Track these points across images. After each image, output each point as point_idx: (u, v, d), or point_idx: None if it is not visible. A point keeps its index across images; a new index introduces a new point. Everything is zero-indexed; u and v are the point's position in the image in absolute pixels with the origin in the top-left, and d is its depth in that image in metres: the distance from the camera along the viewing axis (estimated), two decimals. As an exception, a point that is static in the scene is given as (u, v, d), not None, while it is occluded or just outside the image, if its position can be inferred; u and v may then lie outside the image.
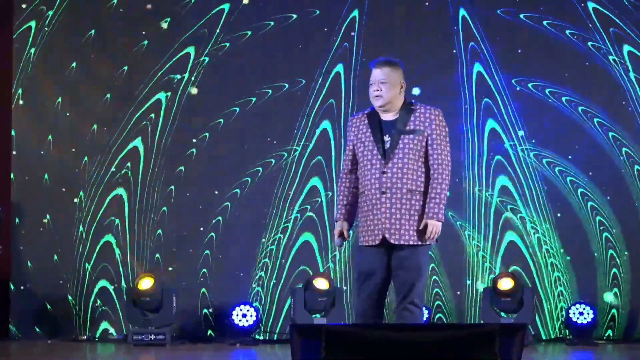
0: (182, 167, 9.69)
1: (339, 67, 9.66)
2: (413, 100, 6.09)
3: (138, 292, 9.22)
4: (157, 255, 9.69)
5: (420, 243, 5.98)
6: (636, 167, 9.49)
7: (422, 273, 6.01)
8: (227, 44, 9.67)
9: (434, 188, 5.98)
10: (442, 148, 6.00)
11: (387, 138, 5.98)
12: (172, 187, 9.68)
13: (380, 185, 5.96)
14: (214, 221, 9.65)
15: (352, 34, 9.66)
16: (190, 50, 9.66)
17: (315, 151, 9.68)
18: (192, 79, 9.66)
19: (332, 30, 9.66)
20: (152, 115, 9.68)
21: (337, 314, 9.29)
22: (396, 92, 6.01)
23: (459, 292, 9.58)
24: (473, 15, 9.59)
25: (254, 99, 9.68)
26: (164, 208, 9.68)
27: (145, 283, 9.23)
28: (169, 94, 9.65)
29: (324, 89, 9.66)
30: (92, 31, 9.70)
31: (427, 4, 9.64)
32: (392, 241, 5.95)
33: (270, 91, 9.67)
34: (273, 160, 9.69)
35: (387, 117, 6.03)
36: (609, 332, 9.55)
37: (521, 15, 9.59)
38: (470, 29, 9.59)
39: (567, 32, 9.52)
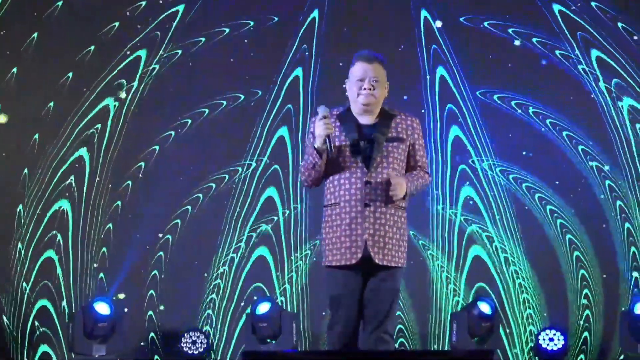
0: (129, 182, 9.26)
1: (298, 71, 9.28)
2: (387, 106, 5.63)
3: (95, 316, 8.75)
4: (102, 274, 9.19)
5: (404, 266, 5.50)
6: (607, 182, 9.19)
7: (397, 298, 5.54)
8: (179, 51, 9.30)
9: (420, 175, 5.56)
10: (426, 158, 5.62)
11: (365, 144, 5.46)
12: (119, 202, 9.24)
13: (363, 197, 5.40)
14: (162, 240, 9.23)
15: (311, 36, 9.30)
16: (140, 56, 9.26)
17: (272, 160, 9.28)
18: (141, 88, 9.25)
19: (290, 34, 9.30)
20: (99, 125, 9.24)
21: (287, 339, 8.82)
22: (384, 94, 5.58)
23: (427, 315, 9.21)
24: (435, 18, 9.27)
25: (207, 111, 9.29)
26: (110, 225, 9.22)
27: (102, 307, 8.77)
28: (116, 104, 9.24)
29: (281, 93, 9.28)
30: (35, 35, 9.23)
31: (387, 5, 9.30)
32: (376, 261, 5.42)
33: (224, 102, 9.29)
34: (227, 176, 9.30)
35: (364, 120, 5.53)
36: (582, 356, 9.15)
37: (485, 23, 9.27)
38: (433, 31, 9.26)
39: (534, 40, 9.23)
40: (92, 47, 9.24)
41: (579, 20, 9.18)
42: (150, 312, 9.20)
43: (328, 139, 5.41)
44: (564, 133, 9.23)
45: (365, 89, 5.48)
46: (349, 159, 5.46)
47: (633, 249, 9.15)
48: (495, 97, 9.26)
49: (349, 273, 5.46)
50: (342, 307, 5.47)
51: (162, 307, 9.19)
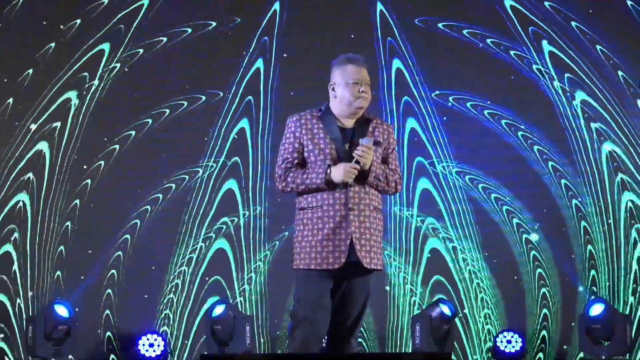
0: (88, 181, 9.20)
1: (259, 63, 9.30)
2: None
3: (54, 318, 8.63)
4: (59, 272, 9.10)
5: (381, 269, 5.49)
6: (563, 181, 9.23)
7: (368, 303, 5.50)
8: (140, 50, 9.30)
9: (393, 172, 5.53)
10: (398, 163, 5.62)
11: (348, 147, 5.43)
12: (77, 201, 9.15)
13: (347, 200, 5.37)
14: (121, 239, 9.15)
15: (272, 28, 9.32)
16: (101, 54, 9.23)
17: (232, 155, 9.25)
18: (102, 86, 9.22)
19: (252, 29, 9.33)
20: (59, 123, 9.18)
21: (241, 342, 8.70)
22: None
23: (385, 316, 9.16)
24: (391, 11, 9.35)
25: (167, 111, 9.27)
26: (68, 223, 9.14)
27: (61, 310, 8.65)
28: (77, 102, 9.19)
29: (240, 89, 9.29)
30: (-6, 32, 9.27)
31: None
32: (364, 264, 5.37)
33: (185, 103, 9.28)
34: (186, 177, 9.27)
35: (347, 123, 5.51)
36: (540, 355, 9.12)
37: (439, 25, 9.34)
38: (389, 23, 9.31)
39: (489, 40, 9.30)
40: (53, 44, 9.22)
41: (531, 16, 9.26)
42: (107, 312, 9.09)
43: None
44: (520, 133, 9.28)
45: (363, 91, 5.48)
46: (334, 162, 5.42)
47: (589, 247, 9.16)
48: (450, 98, 9.31)
49: (326, 276, 5.40)
50: (317, 310, 5.38)
51: (119, 308, 9.10)
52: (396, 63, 9.29)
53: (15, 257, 9.05)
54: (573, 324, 9.04)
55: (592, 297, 8.97)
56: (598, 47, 9.19)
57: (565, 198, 9.22)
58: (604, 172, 9.18)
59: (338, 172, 5.35)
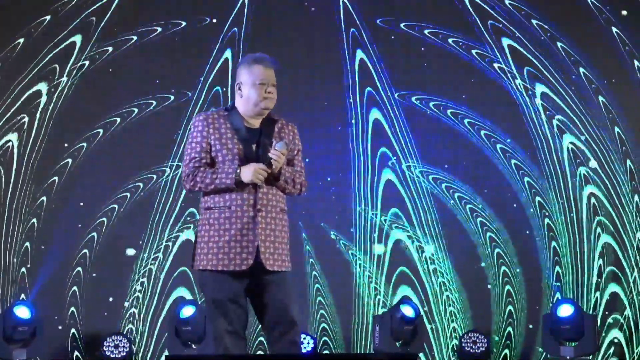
0: (55, 178, 9.17)
1: (227, 54, 9.36)
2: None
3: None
4: (23, 269, 9.02)
5: (290, 269, 5.50)
6: (526, 179, 9.29)
7: (296, 299, 5.50)
8: (110, 49, 9.33)
9: (299, 174, 5.57)
10: (303, 165, 5.64)
11: (254, 147, 5.47)
12: (44, 198, 9.12)
13: (256, 202, 5.39)
14: (87, 237, 9.10)
15: (241, 20, 9.39)
16: (70, 51, 9.22)
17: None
18: (69, 83, 9.22)
19: (221, 24, 9.39)
20: (26, 118, 9.16)
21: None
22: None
23: (350, 316, 9.14)
24: (358, 11, 9.46)
25: (135, 110, 9.30)
26: (34, 220, 9.09)
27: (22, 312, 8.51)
28: (45, 98, 9.18)
29: (207, 83, 9.32)
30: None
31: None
32: (267, 267, 5.38)
33: (154, 102, 9.32)
34: (154, 176, 9.26)
35: (253, 123, 5.55)
36: (506, 351, 9.09)
37: (401, 25, 9.44)
38: (351, 15, 9.40)
39: (450, 40, 9.40)
40: (22, 40, 9.22)
41: (491, 11, 9.35)
42: (72, 309, 9.02)
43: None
44: (482, 132, 9.34)
45: (269, 92, 5.50)
46: (242, 162, 5.43)
47: (553, 243, 9.18)
48: (413, 99, 9.37)
49: (236, 276, 5.39)
50: (230, 311, 5.39)
51: (84, 306, 9.03)
52: (359, 54, 9.38)
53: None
54: (537, 321, 9.05)
55: (559, 298, 8.98)
56: (559, 44, 9.31)
57: (529, 196, 9.26)
58: (565, 167, 9.24)
59: (248, 172, 5.35)
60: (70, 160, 9.19)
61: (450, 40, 9.38)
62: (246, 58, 5.60)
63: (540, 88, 9.28)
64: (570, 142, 9.24)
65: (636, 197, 9.18)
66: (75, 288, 9.05)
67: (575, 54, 9.28)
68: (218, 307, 5.38)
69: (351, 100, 9.33)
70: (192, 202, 9.13)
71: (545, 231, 9.20)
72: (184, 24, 9.39)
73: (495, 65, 9.34)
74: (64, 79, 9.21)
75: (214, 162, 5.46)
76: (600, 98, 9.26)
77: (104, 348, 8.78)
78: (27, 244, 9.05)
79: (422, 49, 9.38)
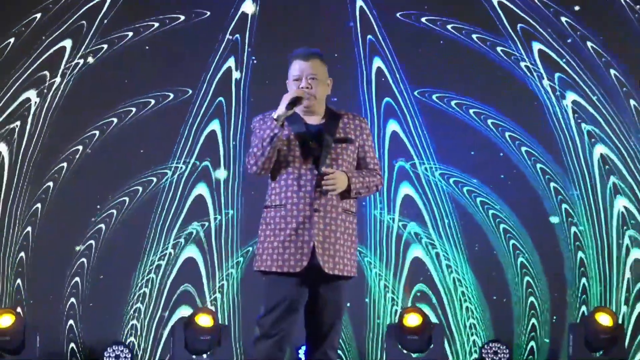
0: (50, 184, 8.85)
1: (230, 61, 8.94)
2: (332, 106, 5.26)
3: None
4: (19, 280, 8.76)
5: (354, 275, 5.11)
6: (552, 184, 8.92)
7: (343, 311, 5.14)
8: (105, 46, 8.93)
9: (371, 174, 5.18)
10: (377, 159, 5.26)
11: (314, 145, 5.10)
12: (39, 205, 8.82)
13: (313, 201, 5.04)
14: (85, 245, 8.83)
15: (244, 25, 8.98)
16: (63, 50, 8.87)
17: (203, 157, 8.90)
18: (64, 83, 8.86)
19: (222, 25, 8.98)
20: (18, 122, 8.84)
21: (223, 353, 8.46)
22: (326, 91, 5.19)
23: (364, 324, 8.85)
24: (372, 8, 8.98)
25: (133, 109, 8.92)
26: (29, 228, 8.80)
27: (5, 320, 8.30)
28: (37, 100, 8.83)
29: (210, 89, 8.93)
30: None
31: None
32: (326, 270, 5.01)
33: (152, 101, 8.93)
34: (154, 179, 8.92)
35: (311, 120, 5.17)
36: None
37: (423, 19, 8.99)
38: (369, 21, 8.96)
39: (474, 36, 8.95)
40: (12, 40, 8.89)
41: (520, 12, 8.94)
42: (70, 322, 8.78)
43: (295, 103, 5.06)
44: (507, 134, 8.96)
45: (306, 86, 5.12)
46: (299, 159, 5.11)
47: (580, 254, 8.88)
48: (434, 96, 8.98)
49: (291, 281, 5.07)
50: (279, 317, 5.07)
51: (83, 318, 8.79)
52: (376, 62, 8.94)
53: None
54: (563, 332, 8.79)
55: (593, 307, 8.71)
56: (589, 43, 8.89)
57: (556, 203, 8.89)
58: (595, 176, 8.88)
59: (283, 101, 5.06)
60: (65, 164, 8.90)
61: (474, 36, 8.95)
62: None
63: (569, 91, 8.90)
64: (601, 150, 8.87)
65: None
66: (73, 299, 8.83)
67: (606, 54, 8.88)
68: (268, 312, 5.09)
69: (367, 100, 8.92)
70: (197, 205, 8.85)
71: (572, 240, 8.89)
72: (182, 17, 8.99)
73: (522, 64, 8.93)
74: (57, 79, 8.89)
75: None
76: (632, 102, 8.88)
77: (105, 359, 8.59)
78: (22, 254, 8.82)
79: (444, 44, 8.98)
